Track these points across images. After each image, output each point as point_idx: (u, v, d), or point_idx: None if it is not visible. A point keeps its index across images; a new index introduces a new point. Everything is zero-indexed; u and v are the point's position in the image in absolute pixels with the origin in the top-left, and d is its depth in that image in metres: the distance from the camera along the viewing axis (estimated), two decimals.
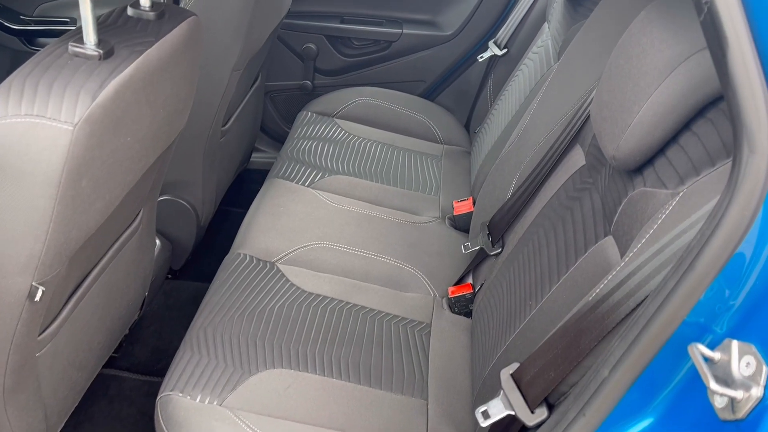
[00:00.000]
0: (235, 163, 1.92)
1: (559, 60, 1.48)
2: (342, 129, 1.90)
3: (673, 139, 0.79)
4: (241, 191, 2.19)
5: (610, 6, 1.26)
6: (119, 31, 0.90)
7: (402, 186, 1.72)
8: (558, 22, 1.57)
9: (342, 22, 2.08)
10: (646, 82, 0.78)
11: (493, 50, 1.88)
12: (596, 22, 1.29)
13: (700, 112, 0.76)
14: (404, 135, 1.94)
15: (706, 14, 0.49)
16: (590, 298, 0.75)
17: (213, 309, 1.23)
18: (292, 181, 1.65)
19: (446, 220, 1.65)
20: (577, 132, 1.13)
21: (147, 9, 0.95)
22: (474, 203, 1.63)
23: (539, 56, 1.63)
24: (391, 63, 2.11)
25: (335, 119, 1.94)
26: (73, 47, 0.81)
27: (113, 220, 1.03)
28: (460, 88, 2.12)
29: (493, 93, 1.89)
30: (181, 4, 1.39)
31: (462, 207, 1.64)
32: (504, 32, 1.87)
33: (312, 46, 2.08)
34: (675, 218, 0.70)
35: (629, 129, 0.80)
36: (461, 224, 1.62)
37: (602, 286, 0.75)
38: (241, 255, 1.38)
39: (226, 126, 1.64)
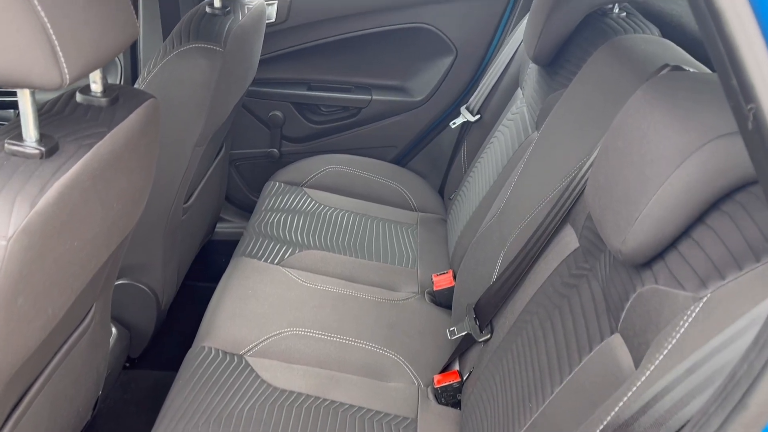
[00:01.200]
0: (199, 238, 1.81)
1: (537, 129, 1.44)
2: (312, 199, 1.81)
3: (685, 232, 0.72)
4: (205, 264, 2.07)
5: (591, 76, 1.22)
6: (66, 122, 0.80)
7: (377, 259, 1.63)
8: (533, 89, 1.53)
9: (309, 89, 2.01)
10: (653, 172, 0.72)
11: (465, 116, 1.84)
12: (576, 92, 1.25)
13: (714, 204, 0.70)
14: (377, 203, 1.87)
15: (752, 122, 0.43)
16: (608, 418, 0.67)
17: (175, 415, 1.10)
18: (260, 259, 1.55)
19: (426, 296, 1.56)
20: (567, 212, 1.06)
21: (98, 94, 0.86)
22: (454, 277, 1.55)
23: (515, 123, 1.59)
24: (360, 129, 2.05)
25: (304, 189, 1.85)
26: (9, 145, 0.71)
27: (58, 327, 0.91)
28: (432, 153, 2.06)
29: (468, 159, 1.84)
30: (138, 83, 1.30)
31: (442, 281, 1.55)
32: (476, 98, 1.83)
33: (278, 113, 2.01)
34: (702, 329, 0.62)
35: (637, 222, 0.73)
36: (442, 300, 1.53)
37: (621, 404, 0.66)
38: (206, 348, 1.26)
39: (189, 202, 1.54)
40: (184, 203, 1.51)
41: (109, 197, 0.83)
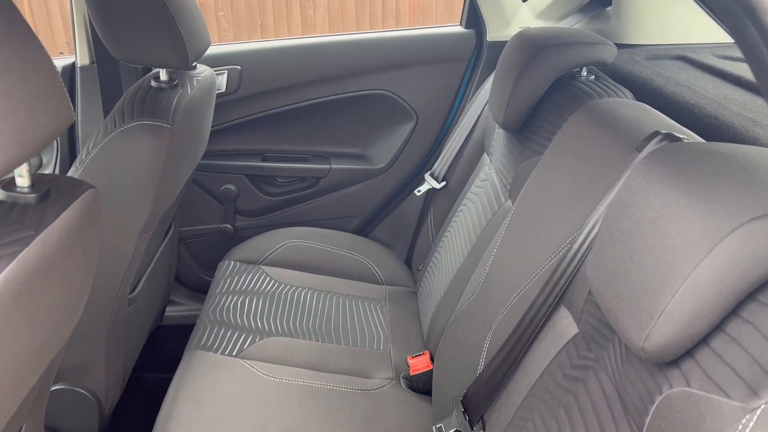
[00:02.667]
0: (147, 327, 1.64)
1: (511, 197, 1.36)
2: (271, 278, 1.68)
3: (717, 326, 0.63)
4: (154, 353, 1.90)
5: (568, 143, 1.16)
6: None
7: (346, 342, 1.50)
8: (502, 155, 1.47)
9: (264, 159, 1.91)
10: (676, 259, 0.63)
11: (430, 183, 1.76)
12: (554, 160, 1.18)
13: (750, 294, 0.62)
14: (342, 278, 1.75)
15: None
16: None
17: None
18: (216, 351, 1.40)
19: (402, 381, 1.43)
20: (562, 292, 0.97)
21: (25, 190, 0.73)
22: (431, 359, 1.43)
23: (484, 190, 1.51)
24: (320, 200, 1.94)
25: (262, 267, 1.72)
26: None
27: None
28: (396, 222, 1.97)
29: (435, 227, 1.75)
30: (75, 165, 1.17)
31: (419, 364, 1.43)
32: (440, 164, 1.76)
33: (231, 186, 1.89)
34: None
35: (663, 316, 0.64)
36: (420, 385, 1.41)
37: None
38: None
39: (134, 292, 1.39)
40: (130, 293, 1.36)
41: (38, 313, 0.69)
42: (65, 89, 0.72)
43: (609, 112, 1.12)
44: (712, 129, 1.07)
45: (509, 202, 1.37)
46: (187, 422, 1.19)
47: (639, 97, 1.24)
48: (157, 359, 1.90)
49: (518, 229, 1.19)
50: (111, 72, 1.73)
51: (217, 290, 1.63)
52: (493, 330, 1.12)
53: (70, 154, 1.72)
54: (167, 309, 1.97)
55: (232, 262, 1.73)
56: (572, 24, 1.66)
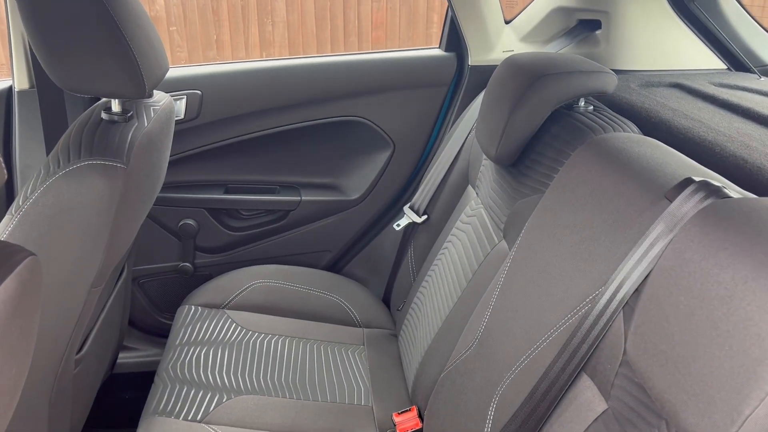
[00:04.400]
0: (96, 384, 1.46)
1: (506, 238, 1.25)
2: (237, 324, 1.52)
3: None
4: (105, 405, 1.71)
5: (574, 183, 1.05)
6: None
7: (324, 397, 1.36)
8: (492, 190, 1.35)
9: (227, 191, 1.75)
10: (765, 352, 0.52)
11: (410, 216, 1.64)
12: (558, 201, 1.07)
13: None
14: (315, 321, 1.60)
15: None
16: None
17: None
18: (177, 416, 1.23)
19: None
20: (584, 360, 0.85)
21: None
22: (421, 417, 1.30)
23: (472, 227, 1.40)
24: (289, 234, 1.79)
25: (226, 311, 1.56)
26: None
27: None
28: (372, 257, 1.84)
29: (416, 264, 1.62)
30: (10, 212, 1.00)
31: (406, 423, 1.29)
32: (420, 196, 1.63)
33: (190, 221, 1.73)
34: None
35: (749, 422, 0.52)
36: None
37: None
38: None
39: (82, 351, 1.21)
40: (77, 354, 1.19)
41: None
42: None
43: (620, 149, 1.02)
44: (743, 173, 0.98)
45: (503, 243, 1.26)
46: None
47: (646, 131, 1.14)
48: (108, 412, 1.71)
49: (522, 279, 1.07)
50: (54, 98, 1.55)
51: (177, 341, 1.46)
52: (499, 395, 1.00)
53: (6, 191, 1.53)
54: (120, 355, 1.79)
55: (193, 307, 1.56)
56: (559, 48, 1.57)
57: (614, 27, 1.50)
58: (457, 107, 1.70)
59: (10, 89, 1.57)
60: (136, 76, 1.06)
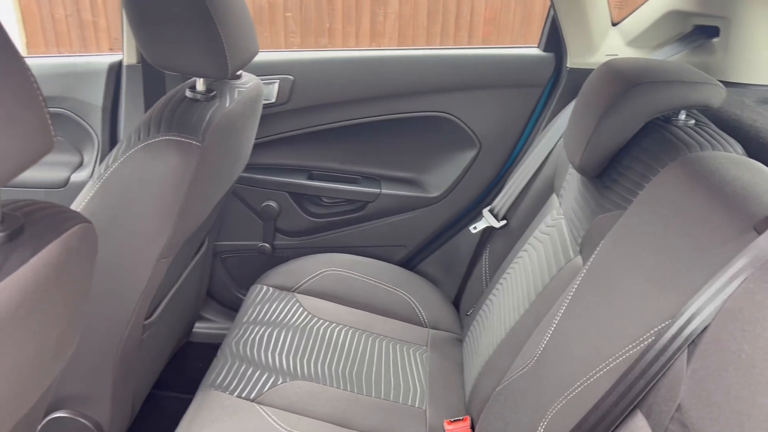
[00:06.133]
0: (167, 350, 1.52)
1: (581, 254, 1.17)
2: (304, 309, 1.53)
3: None
4: (179, 371, 1.79)
5: (660, 203, 0.96)
6: None
7: (378, 394, 1.34)
8: (574, 201, 1.27)
9: (310, 177, 1.77)
10: None
11: (489, 220, 1.58)
12: (639, 221, 0.98)
13: None
14: (382, 315, 1.59)
15: None
16: None
17: None
18: (232, 393, 1.26)
19: None
20: (639, 397, 0.77)
21: None
22: (472, 428, 1.25)
23: (551, 238, 1.32)
24: (366, 225, 1.79)
25: (296, 295, 1.58)
26: None
27: None
28: (447, 258, 1.79)
29: (490, 270, 1.57)
30: (93, 179, 1.05)
31: None
32: (502, 200, 1.57)
33: (273, 204, 1.76)
34: None
35: None
36: None
37: None
38: None
39: (151, 318, 1.27)
40: (146, 320, 1.24)
41: None
42: (47, 115, 0.59)
43: (714, 170, 0.92)
44: None
45: (579, 258, 1.18)
46: None
47: (752, 152, 1.03)
48: (181, 377, 1.79)
49: (588, 300, 1.00)
50: (156, 74, 1.63)
51: (245, 318, 1.50)
52: (547, 420, 0.93)
53: None
54: (197, 325, 1.86)
55: (265, 287, 1.60)
56: (669, 55, 1.44)
57: (734, 35, 1.36)
58: (550, 111, 1.61)
59: (120, 63, 1.67)
60: (221, 57, 1.09)
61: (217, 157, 1.17)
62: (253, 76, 1.39)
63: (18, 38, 4.35)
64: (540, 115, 1.65)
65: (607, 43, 1.57)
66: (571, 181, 1.34)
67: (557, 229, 1.32)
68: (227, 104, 1.19)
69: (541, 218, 1.42)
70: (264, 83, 1.65)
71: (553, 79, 1.63)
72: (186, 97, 1.15)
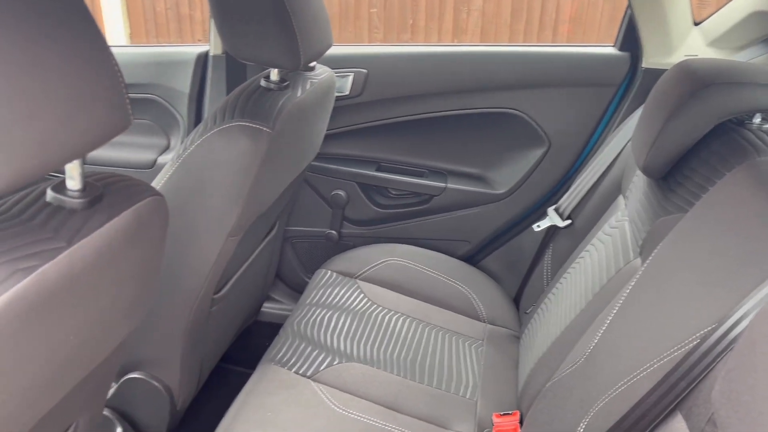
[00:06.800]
0: (235, 326, 1.61)
1: (641, 256, 1.15)
2: (365, 296, 1.58)
3: None
4: (246, 347, 1.88)
5: (722, 206, 0.94)
6: (16, 232, 0.62)
7: (430, 382, 1.37)
8: (638, 203, 1.25)
9: (379, 169, 1.82)
10: None
11: (553, 219, 1.57)
12: (700, 224, 0.96)
13: None
14: (439, 307, 1.61)
15: None
16: None
17: None
18: (290, 369, 1.32)
19: None
20: (680, 398, 0.77)
21: (74, 194, 0.68)
22: (521, 422, 1.26)
23: (613, 239, 1.31)
24: (430, 218, 1.82)
25: (358, 282, 1.63)
26: None
27: None
28: (510, 255, 1.79)
29: (552, 269, 1.56)
30: (172, 159, 1.14)
31: (504, 426, 1.26)
32: (568, 200, 1.56)
33: (341, 192, 1.82)
34: None
35: None
36: None
37: None
38: None
39: (221, 293, 1.35)
40: (215, 294, 1.33)
41: (58, 331, 0.64)
42: (126, 94, 0.65)
43: None
44: None
45: (638, 260, 1.16)
46: None
47: None
48: (247, 353, 1.88)
49: (641, 301, 0.99)
50: (238, 65, 1.72)
51: (308, 300, 1.57)
52: (590, 417, 0.94)
53: None
54: (265, 305, 1.95)
55: (329, 272, 1.66)
56: (752, 57, 1.39)
57: None
58: (623, 111, 1.58)
59: (206, 54, 1.78)
60: (294, 48, 1.15)
61: (287, 143, 1.23)
62: (327, 68, 1.44)
63: (123, 29, 4.66)
64: (612, 115, 1.62)
65: (687, 43, 1.53)
66: (638, 182, 1.31)
67: (620, 230, 1.30)
68: (299, 94, 1.25)
69: (606, 219, 1.41)
70: (339, 76, 1.71)
71: (627, 79, 1.60)
72: (260, 86, 1.22)
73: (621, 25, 1.62)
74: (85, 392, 0.86)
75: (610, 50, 1.65)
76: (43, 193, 0.68)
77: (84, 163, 0.69)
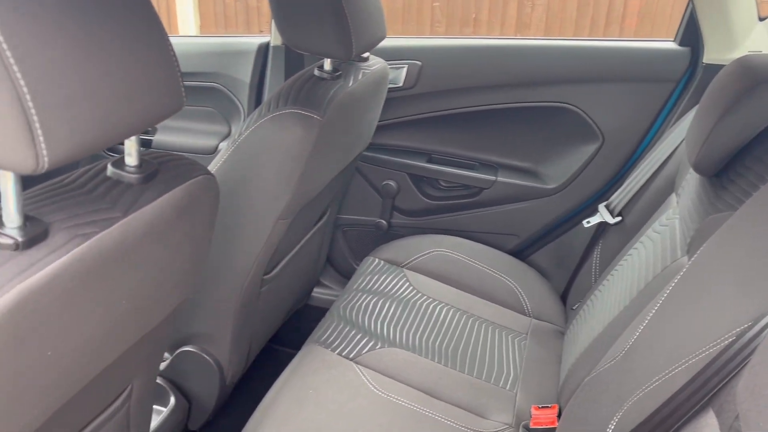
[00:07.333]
0: (285, 307, 1.67)
1: (688, 254, 1.13)
2: (410, 284, 1.61)
3: None
4: (295, 330, 1.94)
5: None
6: (78, 202, 0.68)
7: (471, 371, 1.39)
8: (690, 201, 1.23)
9: (429, 160, 1.84)
10: None
11: (603, 216, 1.55)
12: (747, 222, 0.94)
13: None
14: (484, 300, 1.62)
15: None
16: None
17: None
18: (334, 350, 1.37)
19: (521, 430, 1.28)
20: (712, 393, 0.76)
21: (131, 169, 0.73)
22: (559, 415, 1.26)
23: (662, 237, 1.29)
24: (479, 211, 1.82)
25: (405, 270, 1.66)
26: None
27: (69, 412, 0.77)
28: (559, 251, 1.78)
29: (600, 266, 1.54)
30: (228, 144, 1.20)
31: (542, 418, 1.27)
32: (619, 196, 1.54)
33: (392, 183, 1.85)
34: None
35: None
36: None
37: None
38: None
39: (271, 274, 1.41)
40: (265, 275, 1.38)
41: (112, 295, 0.69)
42: (181, 78, 0.70)
43: None
44: None
45: (685, 258, 1.15)
46: (282, 420, 1.17)
47: None
48: (296, 335, 1.95)
49: (682, 298, 0.98)
50: (297, 55, 1.77)
51: (355, 286, 1.61)
52: (623, 411, 0.94)
53: None
54: (315, 290, 2.01)
55: (377, 260, 1.69)
56: None
57: None
58: (681, 107, 1.55)
59: (267, 44, 1.84)
60: (346, 39, 1.18)
61: (337, 131, 1.27)
62: (380, 59, 1.48)
63: (193, 21, 4.84)
64: (670, 111, 1.58)
65: (751, 38, 1.47)
66: (691, 180, 1.29)
67: (670, 228, 1.28)
68: (350, 84, 1.29)
69: (657, 217, 1.38)
70: (393, 68, 1.74)
71: (687, 75, 1.56)
72: (314, 75, 1.27)
73: (682, 20, 1.58)
74: (139, 357, 0.92)
75: (670, 45, 1.61)
76: (105, 168, 0.74)
77: (150, 147, 0.74)
